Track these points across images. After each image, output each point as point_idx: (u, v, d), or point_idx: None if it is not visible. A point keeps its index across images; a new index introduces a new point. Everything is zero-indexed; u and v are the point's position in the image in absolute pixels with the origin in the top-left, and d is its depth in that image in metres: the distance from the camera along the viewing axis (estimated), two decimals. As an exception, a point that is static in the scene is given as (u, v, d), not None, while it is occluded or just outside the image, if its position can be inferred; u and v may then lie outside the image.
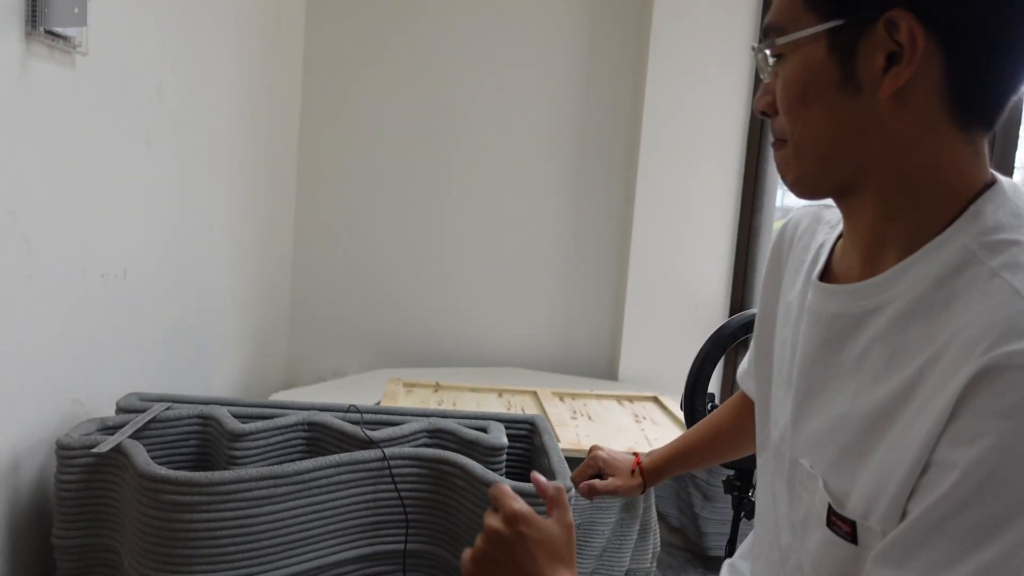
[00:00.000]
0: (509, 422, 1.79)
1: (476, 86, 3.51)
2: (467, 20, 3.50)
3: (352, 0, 3.45)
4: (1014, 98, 0.64)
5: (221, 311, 2.60)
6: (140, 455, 1.38)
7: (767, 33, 0.70)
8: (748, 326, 1.42)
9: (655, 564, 2.24)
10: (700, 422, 1.22)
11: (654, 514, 2.30)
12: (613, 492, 1.26)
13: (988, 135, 0.66)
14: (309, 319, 3.57)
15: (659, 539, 2.29)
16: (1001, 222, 0.63)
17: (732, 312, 3.57)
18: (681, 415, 2.49)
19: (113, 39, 1.69)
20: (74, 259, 1.62)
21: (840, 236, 0.79)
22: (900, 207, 0.67)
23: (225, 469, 1.57)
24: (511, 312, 3.63)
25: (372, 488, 1.48)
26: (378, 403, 2.47)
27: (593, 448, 1.34)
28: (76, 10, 1.42)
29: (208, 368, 2.51)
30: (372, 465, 1.48)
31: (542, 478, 0.94)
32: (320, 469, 1.42)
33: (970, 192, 0.65)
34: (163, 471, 1.32)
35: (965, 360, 0.57)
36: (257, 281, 3.01)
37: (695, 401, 1.43)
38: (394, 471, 1.49)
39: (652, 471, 1.26)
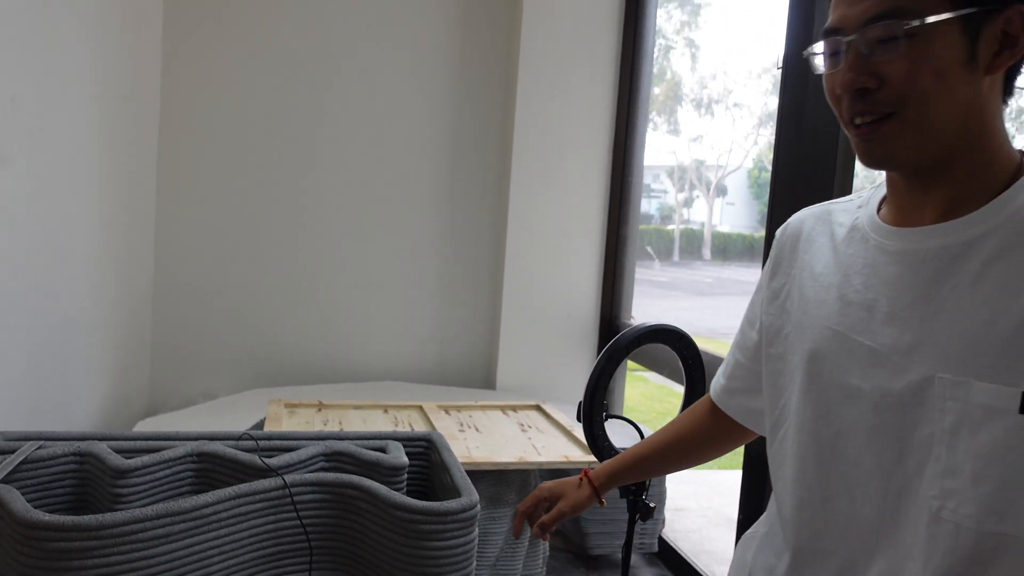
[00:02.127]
0: (406, 440, 1.79)
1: (345, 93, 3.47)
2: (335, 24, 3.45)
3: (212, 1, 3.32)
4: None
5: (81, 339, 2.43)
6: (16, 501, 1.28)
7: (895, 13, 0.79)
8: (640, 338, 1.51)
9: (544, 568, 2.31)
10: (659, 431, 1.25)
11: (543, 520, 2.37)
12: (561, 517, 1.28)
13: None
14: (173, 341, 3.39)
15: (547, 544, 2.37)
16: None
17: (603, 320, 3.72)
18: (564, 421, 2.58)
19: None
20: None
21: (883, 201, 0.93)
22: (981, 164, 0.82)
23: (108, 510, 1.48)
24: (387, 325, 3.61)
25: (273, 518, 1.45)
26: (260, 422, 2.40)
27: (540, 487, 1.35)
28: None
29: (69, 399, 2.35)
30: (272, 495, 1.45)
31: None
32: (219, 502, 1.37)
33: (1015, 152, 0.83)
34: (46, 517, 1.23)
35: None
36: (117, 305, 2.83)
37: (592, 412, 1.50)
38: (296, 499, 1.47)
39: (604, 477, 1.28)
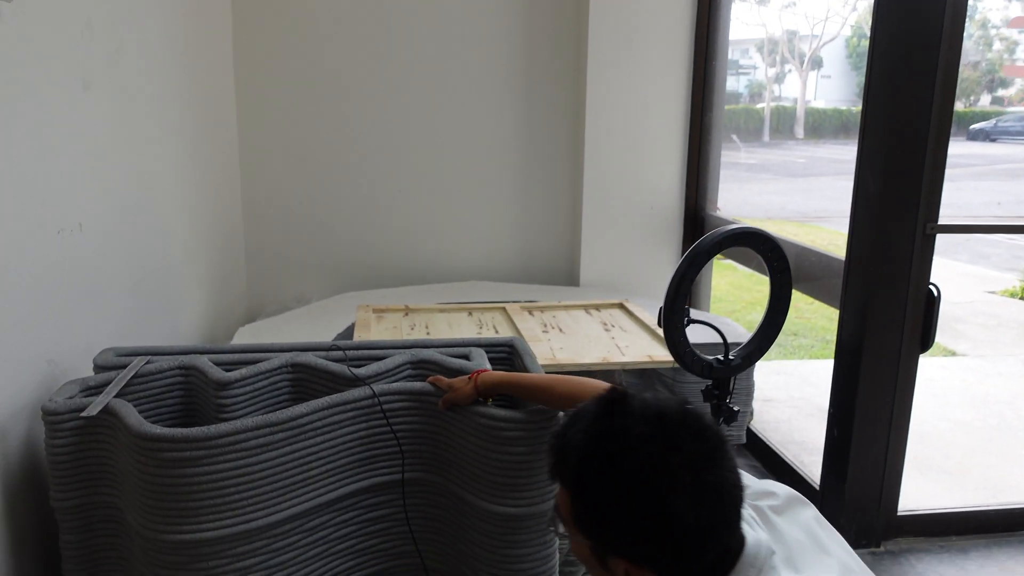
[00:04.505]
0: (488, 346, 1.83)
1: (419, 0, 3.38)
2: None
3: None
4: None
5: (179, 254, 2.55)
6: (131, 415, 1.38)
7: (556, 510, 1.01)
8: (722, 243, 1.46)
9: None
10: (556, 379, 1.42)
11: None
12: (449, 404, 1.50)
13: None
14: (266, 250, 3.51)
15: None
16: None
17: (687, 211, 3.62)
18: (647, 319, 2.57)
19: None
20: (28, 215, 1.56)
21: None
22: None
23: (214, 418, 1.58)
24: (469, 226, 3.63)
25: (365, 425, 1.52)
26: (350, 327, 2.48)
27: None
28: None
29: (173, 312, 2.48)
30: (362, 403, 1.51)
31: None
32: (314, 412, 1.44)
33: None
34: (159, 430, 1.33)
35: None
36: (209, 218, 2.93)
37: (673, 318, 1.47)
38: (384, 406, 1.53)
39: (487, 384, 1.48)
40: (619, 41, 3.36)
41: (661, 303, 1.58)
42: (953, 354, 5.15)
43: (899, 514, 2.58)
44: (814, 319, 6.01)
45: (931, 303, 2.35)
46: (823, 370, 3.91)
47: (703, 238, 1.47)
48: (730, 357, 1.58)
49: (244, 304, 3.49)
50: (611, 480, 0.90)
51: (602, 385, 1.37)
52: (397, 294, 3.14)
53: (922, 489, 2.96)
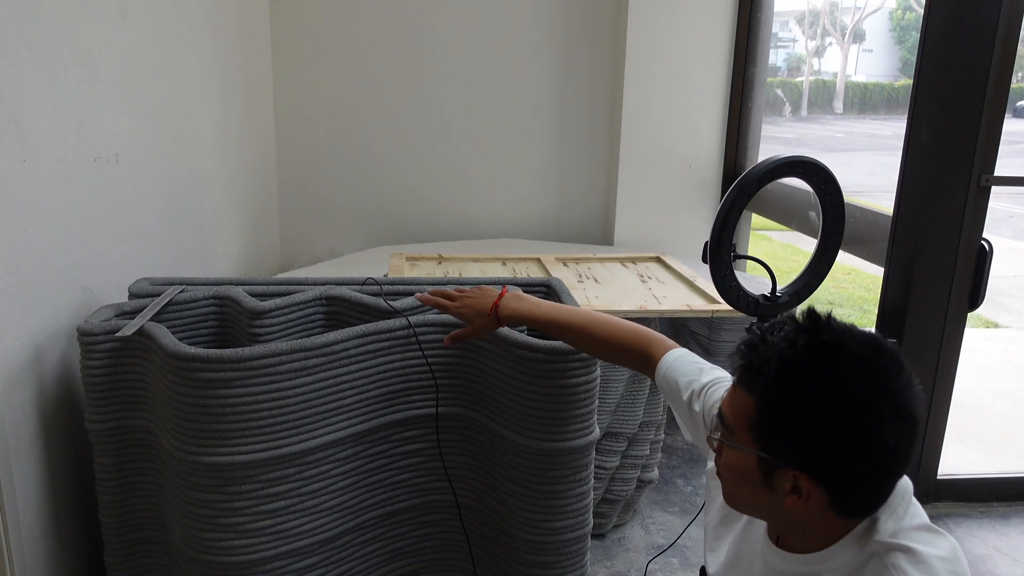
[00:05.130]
0: (525, 286, 1.79)
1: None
2: None
3: None
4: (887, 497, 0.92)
5: (213, 196, 2.53)
6: (166, 336, 1.37)
7: (720, 416, 0.97)
8: (774, 171, 1.40)
9: (665, 416, 2.32)
10: (594, 318, 1.34)
11: (663, 369, 2.35)
12: (463, 337, 1.42)
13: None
14: (300, 201, 3.50)
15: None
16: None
17: (727, 171, 3.54)
18: (687, 272, 2.51)
19: None
20: (66, 140, 1.54)
21: None
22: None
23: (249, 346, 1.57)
24: (504, 183, 3.58)
25: (400, 356, 1.49)
26: (386, 275, 2.46)
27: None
28: None
29: (207, 254, 2.47)
30: (398, 334, 1.48)
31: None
32: (349, 339, 1.41)
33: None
34: (193, 350, 1.31)
35: None
36: (243, 164, 2.92)
37: (720, 250, 1.42)
38: (420, 338, 1.50)
39: (511, 317, 1.38)
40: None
41: (704, 244, 1.53)
42: (996, 326, 5.02)
43: (939, 478, 2.52)
44: (851, 289, 5.89)
45: (983, 259, 2.26)
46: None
47: (754, 166, 1.41)
48: (777, 294, 1.53)
49: (277, 256, 3.49)
50: (823, 391, 0.87)
51: (652, 333, 1.32)
52: (430, 248, 3.11)
53: (963, 457, 2.89)
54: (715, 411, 1.16)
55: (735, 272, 1.50)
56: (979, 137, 2.18)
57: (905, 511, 0.95)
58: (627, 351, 1.32)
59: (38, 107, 1.44)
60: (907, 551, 0.90)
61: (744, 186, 1.38)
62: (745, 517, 1.11)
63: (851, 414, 0.87)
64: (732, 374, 0.98)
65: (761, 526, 1.07)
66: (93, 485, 1.52)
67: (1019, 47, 2.15)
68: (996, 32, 2.07)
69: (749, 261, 1.85)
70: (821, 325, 0.91)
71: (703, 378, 1.22)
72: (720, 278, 1.47)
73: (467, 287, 1.48)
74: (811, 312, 0.93)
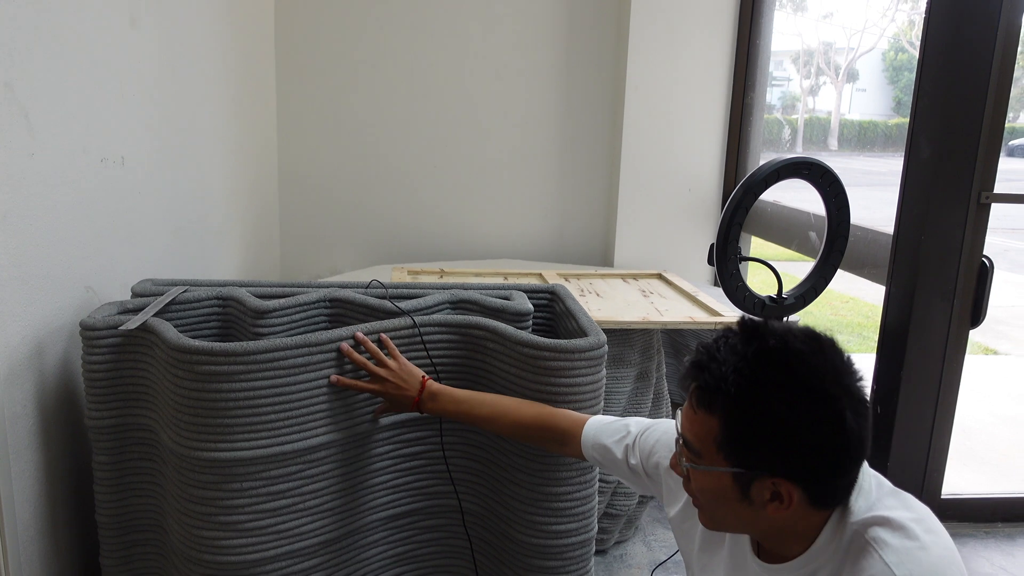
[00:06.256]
0: (530, 292, 1.79)
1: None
2: None
3: None
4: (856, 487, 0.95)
5: (216, 207, 2.54)
6: (169, 331, 1.36)
7: (684, 442, 0.98)
8: (780, 171, 1.41)
9: (667, 431, 2.30)
10: (509, 401, 1.39)
11: (665, 384, 2.34)
12: (382, 411, 1.45)
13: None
14: (299, 220, 3.50)
15: (670, 407, 2.35)
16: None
17: (726, 195, 3.56)
18: (688, 287, 2.51)
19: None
20: (74, 137, 1.55)
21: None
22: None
23: (251, 347, 1.55)
24: (504, 204, 3.59)
25: (404, 355, 1.48)
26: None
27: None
28: None
29: (208, 264, 2.47)
30: (403, 333, 1.48)
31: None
32: (353, 337, 1.41)
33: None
34: (197, 343, 1.30)
35: None
36: (246, 179, 2.93)
37: (727, 250, 1.42)
38: (424, 338, 1.49)
39: (431, 396, 1.41)
40: (661, 19, 3.32)
41: (710, 246, 1.53)
42: (995, 353, 5.02)
43: (944, 497, 2.50)
44: (850, 316, 5.89)
45: (984, 276, 2.27)
46: (864, 363, 3.81)
47: (759, 167, 1.42)
48: (783, 296, 1.53)
49: (277, 274, 3.48)
50: (785, 395, 0.89)
51: (555, 410, 1.35)
52: (431, 267, 3.10)
53: (965, 477, 2.86)
54: (654, 455, 1.22)
55: (740, 273, 1.50)
56: (979, 154, 2.20)
57: (871, 485, 0.97)
58: (537, 431, 1.35)
59: (48, 103, 1.44)
60: (883, 522, 0.92)
61: (751, 186, 1.38)
62: (728, 538, 1.10)
63: (815, 410, 0.89)
64: (683, 398, 0.99)
65: (746, 546, 1.07)
66: (90, 484, 1.49)
67: (1015, 71, 2.18)
68: (994, 48, 2.10)
69: (751, 266, 1.85)
70: (763, 332, 0.92)
71: (632, 430, 1.26)
72: (726, 278, 1.47)
73: (389, 364, 1.42)
74: (746, 321, 0.95)
